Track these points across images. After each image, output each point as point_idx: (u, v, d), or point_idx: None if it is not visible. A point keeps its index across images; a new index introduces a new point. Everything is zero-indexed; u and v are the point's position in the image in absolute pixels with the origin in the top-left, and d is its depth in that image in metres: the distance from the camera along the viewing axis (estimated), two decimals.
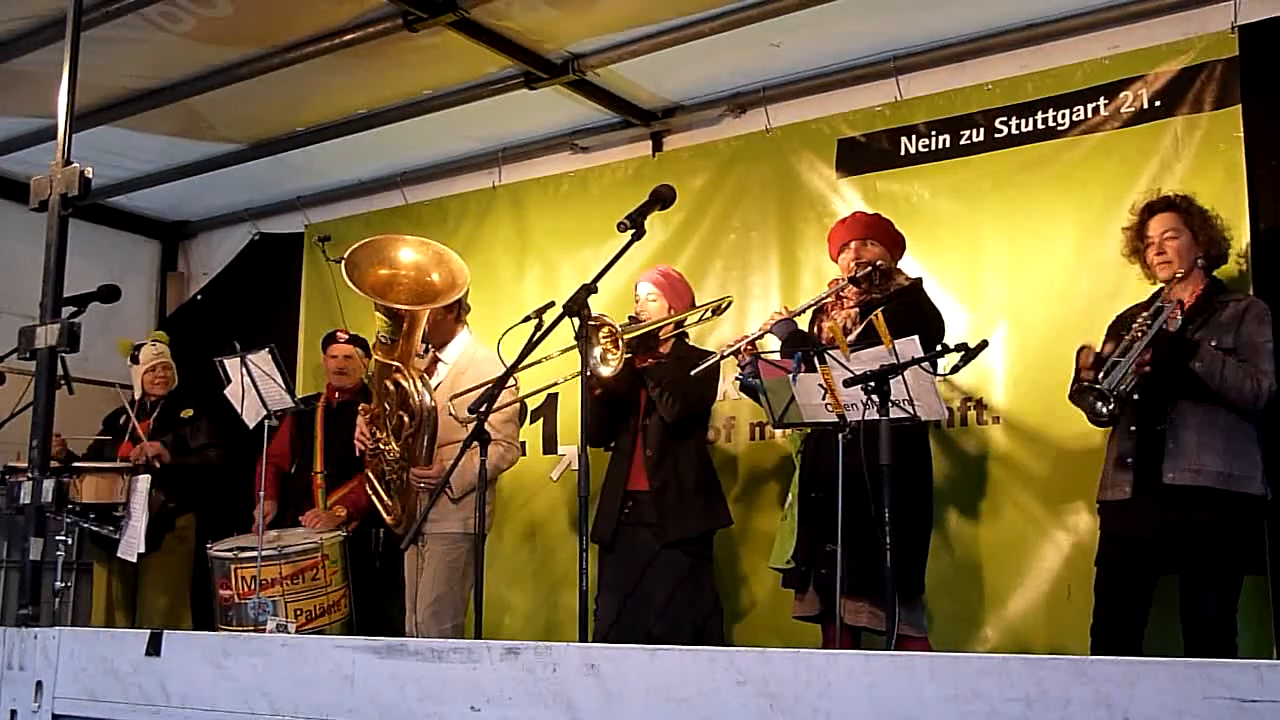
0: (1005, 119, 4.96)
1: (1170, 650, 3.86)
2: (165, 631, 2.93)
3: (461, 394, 4.48)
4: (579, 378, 3.71)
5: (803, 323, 4.53)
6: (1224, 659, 1.80)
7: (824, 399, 3.91)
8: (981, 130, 5.00)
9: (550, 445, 5.91)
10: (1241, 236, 4.33)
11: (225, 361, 5.17)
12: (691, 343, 4.93)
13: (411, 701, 2.43)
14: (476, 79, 5.58)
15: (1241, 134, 4.43)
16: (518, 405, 4.92)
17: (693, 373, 4.36)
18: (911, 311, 4.19)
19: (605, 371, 4.33)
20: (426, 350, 4.93)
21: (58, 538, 5.04)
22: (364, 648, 2.55)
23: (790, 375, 3.97)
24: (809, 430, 4.37)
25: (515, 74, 5.47)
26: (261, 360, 5.08)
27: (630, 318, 4.73)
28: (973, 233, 4.98)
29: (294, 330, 7.01)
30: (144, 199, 7.22)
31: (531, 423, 5.84)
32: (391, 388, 4.70)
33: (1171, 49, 4.63)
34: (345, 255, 4.73)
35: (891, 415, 3.68)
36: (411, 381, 4.63)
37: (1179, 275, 4.01)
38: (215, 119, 6.04)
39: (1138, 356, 3.80)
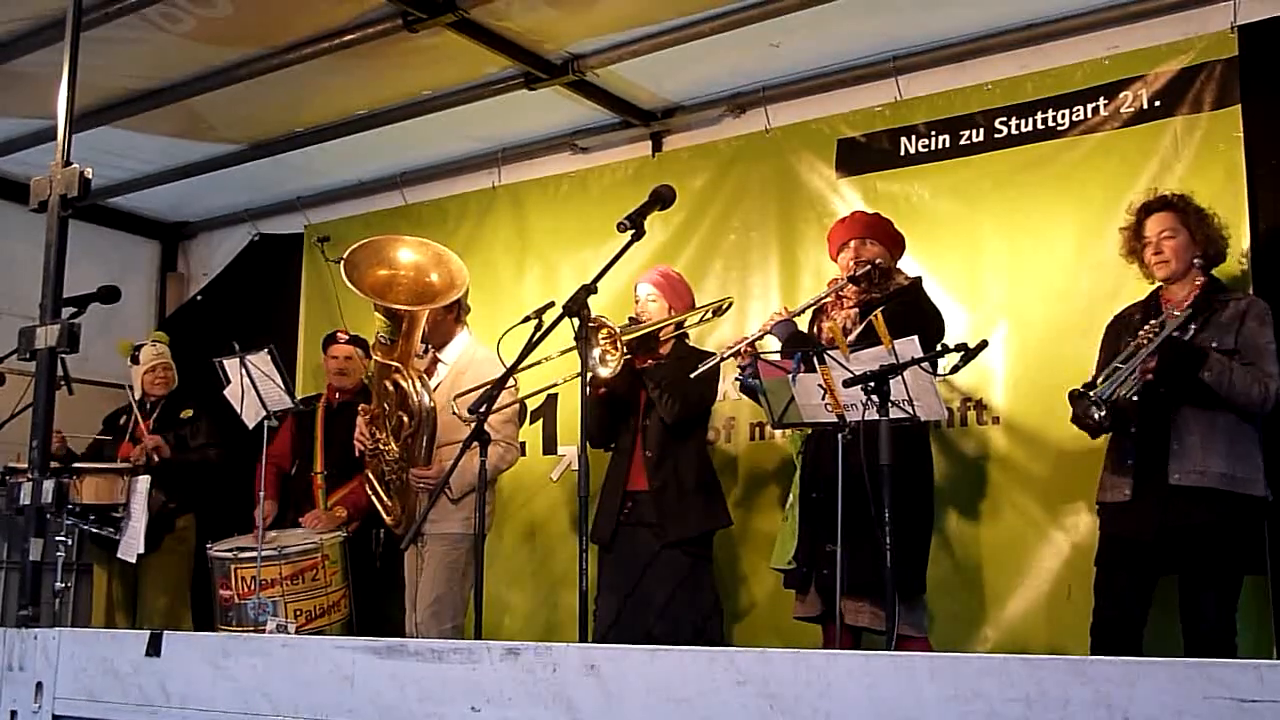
0: (1005, 119, 4.96)
1: (1170, 650, 3.86)
2: (165, 632, 2.93)
3: (464, 394, 4.48)
4: (578, 379, 3.71)
5: (803, 323, 4.53)
6: (1224, 659, 1.80)
7: (824, 399, 3.91)
8: (981, 130, 5.01)
9: (550, 446, 5.91)
10: (1241, 236, 4.34)
11: (225, 362, 5.18)
12: (691, 343, 4.93)
13: (411, 702, 2.43)
14: (476, 79, 5.58)
15: (1241, 134, 4.44)
16: (517, 406, 4.92)
17: (693, 375, 4.36)
18: (911, 311, 4.19)
19: (604, 372, 4.33)
20: (426, 350, 4.93)
21: (58, 538, 5.04)
22: (364, 648, 2.54)
23: (790, 375, 3.97)
24: (809, 431, 4.37)
25: (515, 74, 5.47)
26: (261, 361, 5.08)
27: (630, 318, 4.73)
28: (973, 233, 4.98)
29: (294, 331, 7.01)
30: (144, 199, 7.22)
31: (531, 423, 5.84)
32: (391, 388, 4.70)
33: (1171, 49, 4.63)
34: (344, 256, 4.74)
35: (891, 415, 3.68)
36: (411, 382, 4.64)
37: (1176, 275, 4.01)
38: (215, 119, 6.04)
39: (1141, 364, 3.79)
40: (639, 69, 5.39)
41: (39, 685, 3.05)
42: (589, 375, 3.79)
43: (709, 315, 4.96)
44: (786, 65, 5.39)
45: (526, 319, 3.93)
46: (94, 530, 5.52)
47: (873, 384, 3.65)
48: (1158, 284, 4.11)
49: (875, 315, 3.85)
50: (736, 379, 4.75)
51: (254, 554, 5.08)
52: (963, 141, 5.04)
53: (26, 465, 3.58)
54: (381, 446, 4.78)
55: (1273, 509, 3.90)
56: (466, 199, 6.49)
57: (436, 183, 6.65)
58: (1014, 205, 4.90)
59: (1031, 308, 4.80)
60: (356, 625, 5.32)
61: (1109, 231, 4.42)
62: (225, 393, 5.23)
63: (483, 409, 3.89)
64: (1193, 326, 3.83)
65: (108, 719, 2.93)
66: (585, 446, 3.64)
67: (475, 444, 3.97)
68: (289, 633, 4.77)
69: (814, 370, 3.91)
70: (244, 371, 5.08)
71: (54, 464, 4.75)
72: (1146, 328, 3.85)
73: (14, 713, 3.07)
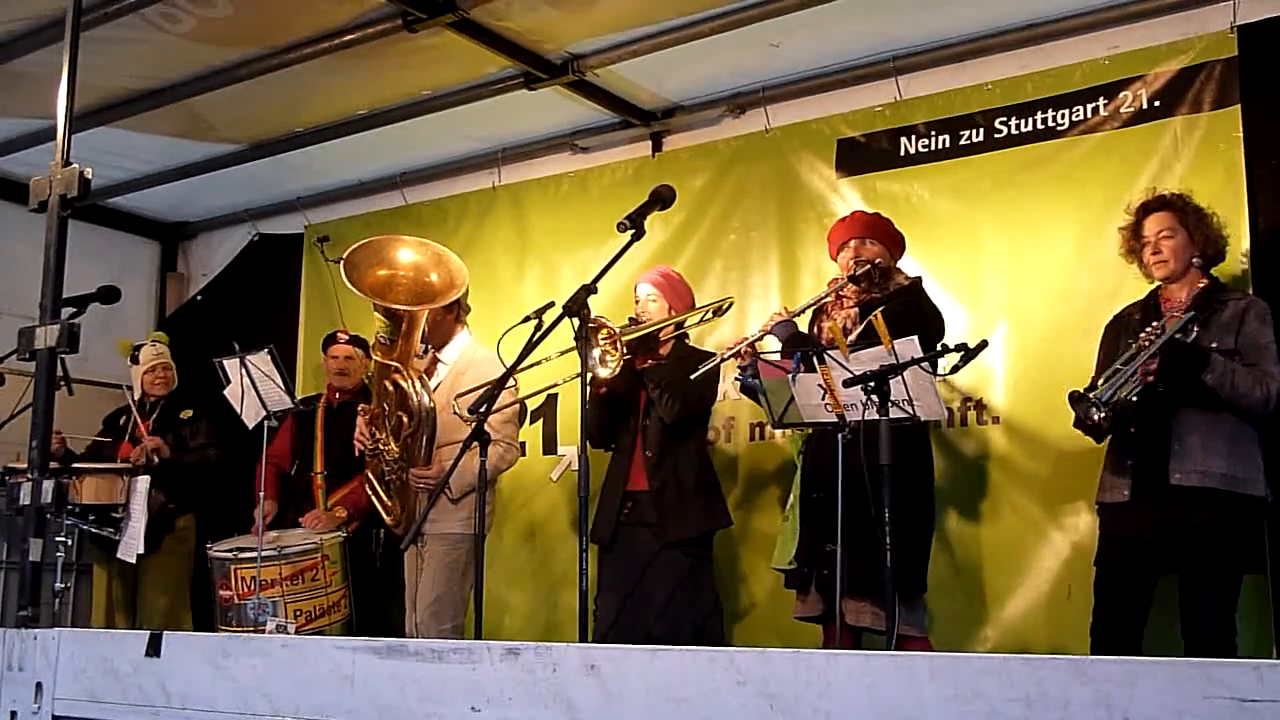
0: (1005, 119, 4.96)
1: (1170, 650, 3.86)
2: (165, 632, 2.93)
3: (464, 394, 4.48)
4: (578, 379, 3.71)
5: (803, 323, 4.53)
6: (1224, 659, 1.80)
7: (823, 399, 3.91)
8: (981, 130, 5.01)
9: (550, 446, 5.91)
10: (1241, 236, 4.34)
11: (225, 362, 5.17)
12: (691, 343, 4.93)
13: (411, 702, 2.43)
14: (476, 79, 5.58)
15: (1241, 134, 4.44)
16: (517, 406, 4.92)
17: (693, 376, 4.35)
18: (911, 311, 4.19)
19: (603, 373, 4.33)
20: (426, 351, 4.93)
21: (57, 539, 5.04)
22: (364, 648, 2.54)
23: (790, 375, 3.97)
24: (810, 431, 4.37)
25: (515, 74, 5.47)
26: (261, 361, 5.08)
27: (630, 319, 4.72)
28: (972, 233, 4.98)
29: (294, 331, 7.01)
30: (143, 200, 7.22)
31: (531, 423, 5.84)
32: (390, 388, 4.70)
33: (1171, 49, 4.63)
34: (344, 256, 4.73)
35: (891, 415, 3.68)
36: (410, 382, 4.63)
37: (1175, 274, 4.01)
38: (215, 119, 6.04)
39: (1142, 366, 3.79)
40: (639, 69, 5.39)
41: (39, 686, 3.05)
42: (589, 375, 3.79)
43: (709, 315, 4.95)
44: (786, 65, 5.39)
45: (526, 319, 3.93)
46: (94, 530, 5.51)
47: (872, 384, 3.65)
48: (1157, 284, 4.11)
49: (875, 315, 3.85)
50: (736, 379, 4.75)
51: (254, 554, 5.08)
52: (963, 141, 5.04)
53: (26, 465, 3.58)
54: (381, 446, 4.78)
55: (1272, 509, 3.90)
56: (466, 199, 6.49)
57: (436, 183, 6.65)
58: (1014, 205, 4.90)
59: (1031, 308, 4.80)
60: (357, 625, 5.32)
61: (1109, 231, 4.42)
62: (225, 393, 5.23)
63: (483, 409, 3.89)
64: (1195, 329, 3.82)
65: (107, 719, 2.93)
66: (585, 446, 3.64)
67: (475, 444, 3.97)
68: (289, 633, 4.77)
69: (814, 370, 3.91)
70: (244, 371, 5.08)
71: (53, 464, 4.75)
72: (1148, 330, 3.84)
73: (14, 713, 3.07)
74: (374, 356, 4.85)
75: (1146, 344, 3.81)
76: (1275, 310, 3.94)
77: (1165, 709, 1.70)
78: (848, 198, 5.26)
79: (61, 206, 3.48)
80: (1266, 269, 4.33)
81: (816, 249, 5.27)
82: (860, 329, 4.17)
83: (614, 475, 4.72)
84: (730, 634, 4.98)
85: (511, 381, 4.27)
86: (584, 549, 3.50)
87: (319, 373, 6.37)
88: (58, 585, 5.08)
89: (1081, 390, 3.88)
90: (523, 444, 5.39)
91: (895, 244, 4.52)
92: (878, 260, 4.40)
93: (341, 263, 4.70)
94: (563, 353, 4.50)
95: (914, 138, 5.16)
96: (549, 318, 3.80)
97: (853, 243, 4.44)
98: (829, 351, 3.86)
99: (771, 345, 4.34)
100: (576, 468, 4.04)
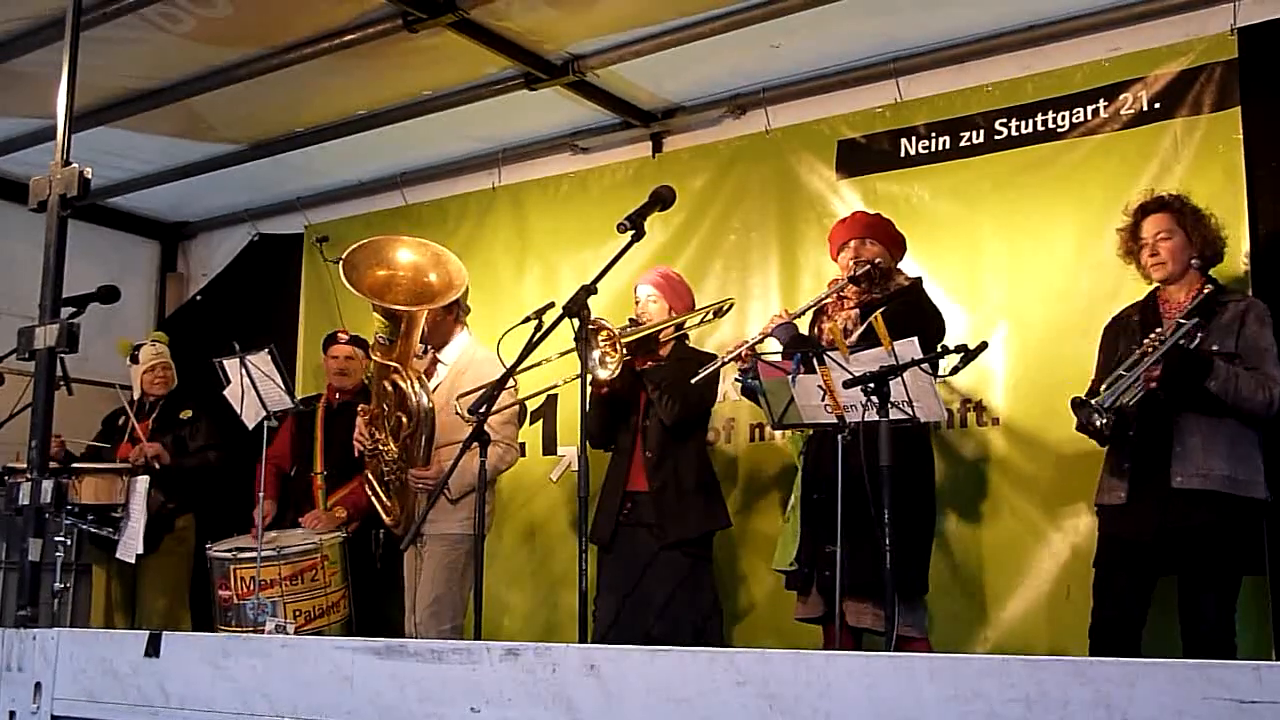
0: (1005, 121, 4.96)
1: (1169, 651, 3.86)
2: (164, 632, 2.93)
3: (466, 394, 4.48)
4: (578, 380, 3.71)
5: (803, 324, 4.53)
6: (1223, 660, 1.80)
7: (823, 400, 3.91)
8: (982, 132, 5.01)
9: (550, 446, 5.91)
10: (1241, 238, 4.34)
11: (225, 362, 5.17)
12: (691, 344, 4.93)
13: (411, 702, 2.43)
14: (476, 80, 5.58)
15: (1241, 136, 4.44)
16: (517, 407, 4.91)
17: (694, 380, 4.35)
18: (912, 311, 4.19)
19: (603, 374, 4.34)
20: (426, 351, 4.93)
21: (56, 539, 5.04)
22: (363, 649, 2.54)
23: (789, 376, 3.97)
24: (811, 432, 4.37)
25: (515, 75, 5.47)
26: (261, 361, 5.08)
27: (631, 319, 4.72)
28: (973, 234, 4.98)
29: (294, 331, 7.02)
30: (143, 199, 7.22)
31: (531, 424, 5.84)
32: (389, 388, 4.70)
33: (1171, 51, 4.63)
34: (343, 256, 4.73)
35: (891, 417, 3.67)
36: (409, 382, 4.63)
37: (1174, 276, 4.01)
38: (215, 119, 6.04)
39: (1145, 372, 3.79)
40: (639, 69, 5.39)
41: (38, 686, 3.05)
42: (589, 377, 3.79)
43: (710, 316, 4.96)
44: (787, 66, 5.39)
45: (526, 319, 3.93)
46: (93, 530, 5.51)
47: (872, 385, 3.65)
48: (1155, 285, 4.11)
49: (875, 317, 3.85)
50: (737, 379, 4.74)
51: (253, 554, 5.08)
52: (963, 143, 5.05)
53: (25, 465, 3.58)
54: (380, 447, 4.78)
55: (1272, 510, 3.90)
56: (466, 199, 6.49)
57: (436, 183, 6.65)
58: (1014, 207, 4.90)
59: (1031, 309, 4.80)
60: (357, 626, 5.32)
61: (1109, 233, 4.41)
62: (225, 393, 5.23)
63: (482, 409, 3.89)
64: (1198, 335, 3.81)
65: (107, 719, 2.93)
66: (585, 447, 3.64)
67: (475, 444, 3.97)
68: (288, 633, 4.76)
69: (814, 371, 3.91)
70: (244, 372, 5.08)
71: (53, 466, 4.75)
72: (1152, 336, 3.84)
73: (13, 713, 3.07)
74: (373, 357, 4.85)
75: (1150, 350, 3.80)
76: (1275, 311, 3.94)
77: (1165, 709, 1.70)
78: (848, 199, 5.26)
79: (61, 206, 3.48)
80: (1266, 270, 4.33)
81: (816, 250, 5.27)
82: (861, 330, 4.17)
83: (614, 476, 4.72)
84: (729, 635, 4.98)
85: (511, 382, 4.27)
86: (584, 549, 3.50)
87: (319, 373, 6.37)
88: (57, 585, 5.07)
89: (1083, 397, 3.87)
90: (522, 444, 5.39)
91: (896, 245, 4.52)
92: (877, 260, 4.40)
93: (340, 263, 4.70)
94: (563, 354, 4.51)
95: (914, 139, 5.16)
96: (549, 318, 3.80)
97: (853, 243, 4.44)
98: (829, 353, 3.86)
99: (772, 347, 4.33)
100: (576, 468, 4.04)
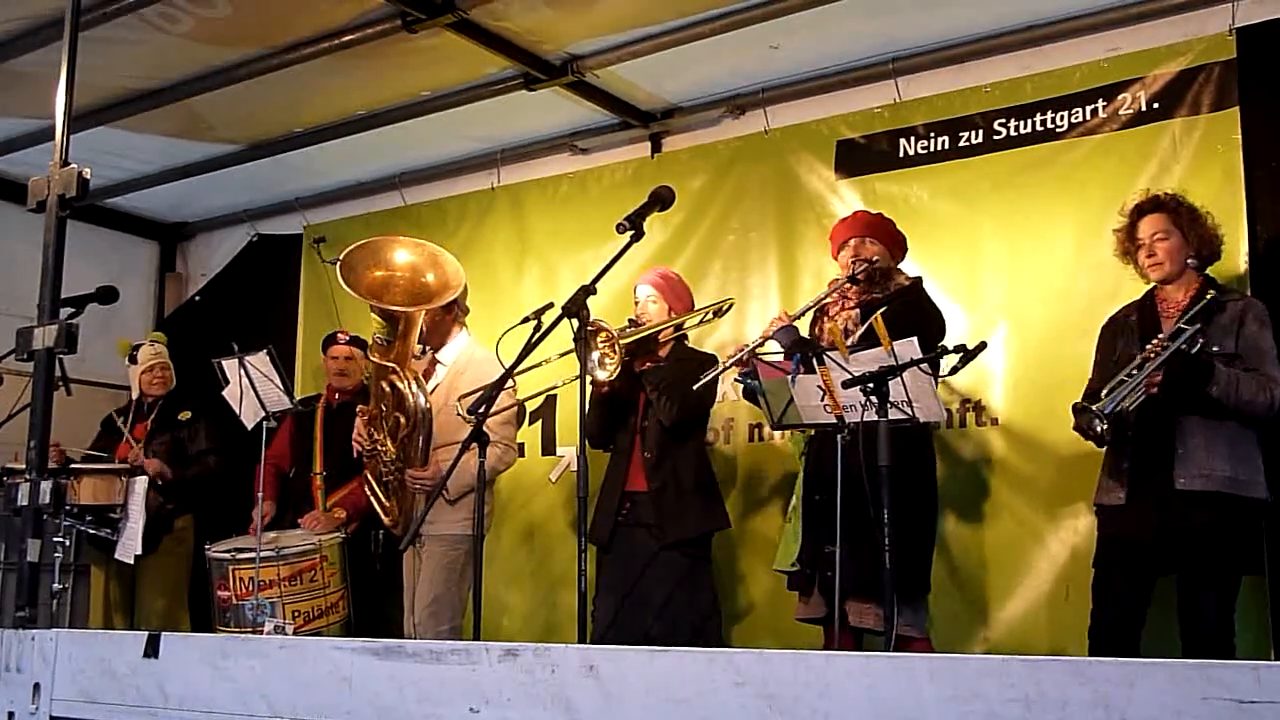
0: (1004, 121, 4.96)
1: (1168, 651, 3.86)
2: (163, 633, 2.93)
3: (468, 394, 4.48)
4: (577, 380, 3.70)
5: (804, 324, 4.52)
6: (1222, 660, 1.80)
7: (823, 400, 3.90)
8: (980, 132, 5.01)
9: (549, 447, 5.91)
10: (1239, 238, 4.34)
11: (223, 363, 5.17)
12: (691, 344, 4.92)
13: (410, 703, 2.43)
14: (475, 80, 5.58)
15: (1239, 136, 4.44)
16: (516, 407, 4.91)
17: (695, 387, 4.34)
18: (913, 311, 4.18)
19: (602, 375, 4.34)
20: (424, 351, 4.92)
21: (55, 539, 5.03)
22: (362, 649, 2.54)
23: (789, 377, 3.97)
24: (812, 433, 4.37)
25: (514, 75, 5.47)
26: (260, 361, 5.08)
27: (630, 320, 4.72)
28: (972, 234, 4.98)
29: (293, 331, 7.02)
30: (142, 200, 7.22)
31: (530, 424, 5.84)
32: (388, 389, 4.69)
33: (1170, 51, 4.64)
34: (340, 257, 4.73)
35: (890, 417, 3.67)
36: (407, 383, 4.63)
37: (1171, 276, 4.01)
38: (214, 120, 6.04)
39: (1146, 377, 3.78)
40: (638, 70, 5.39)
41: (36, 686, 3.05)
42: (588, 378, 3.79)
43: (709, 316, 4.96)
44: (786, 66, 5.39)
45: (525, 320, 3.93)
46: (91, 532, 5.51)
47: (871, 385, 3.65)
48: (1153, 284, 4.11)
49: (875, 318, 3.85)
50: (737, 380, 4.74)
51: (252, 555, 5.07)
52: (962, 143, 5.05)
53: (24, 466, 3.57)
54: (379, 447, 4.77)
55: (1272, 510, 3.90)
56: (466, 200, 6.49)
57: (436, 183, 6.65)
58: (1013, 207, 4.90)
59: (1031, 309, 4.80)
60: (357, 626, 5.32)
61: (1108, 233, 4.41)
62: (224, 393, 5.22)
63: (481, 410, 3.89)
64: (1200, 340, 3.81)
65: None
66: (584, 447, 3.64)
67: (473, 445, 3.97)
68: (287, 634, 4.76)
69: (813, 371, 3.91)
70: (242, 372, 5.08)
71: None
72: (1154, 342, 3.83)
73: (11, 714, 3.07)
74: (371, 357, 4.85)
75: (1151, 356, 3.79)
76: (1273, 311, 3.94)
77: (1164, 709, 1.70)
78: (847, 199, 5.26)
79: (60, 206, 3.49)
80: (1265, 270, 4.33)
81: (816, 250, 5.28)
82: (861, 330, 4.17)
83: (612, 476, 4.72)
84: (728, 635, 4.97)
85: (510, 383, 4.27)
86: (583, 549, 3.50)
87: (318, 373, 6.37)
88: (55, 586, 5.07)
89: (1084, 403, 3.86)
90: (521, 445, 5.39)
91: (897, 244, 4.52)
92: (875, 259, 4.39)
93: (338, 264, 4.70)
94: (562, 354, 4.51)
95: (913, 139, 5.16)
96: (548, 319, 3.80)
97: (853, 241, 4.44)
98: (828, 353, 3.86)
99: (773, 349, 4.33)
100: (575, 468, 4.04)
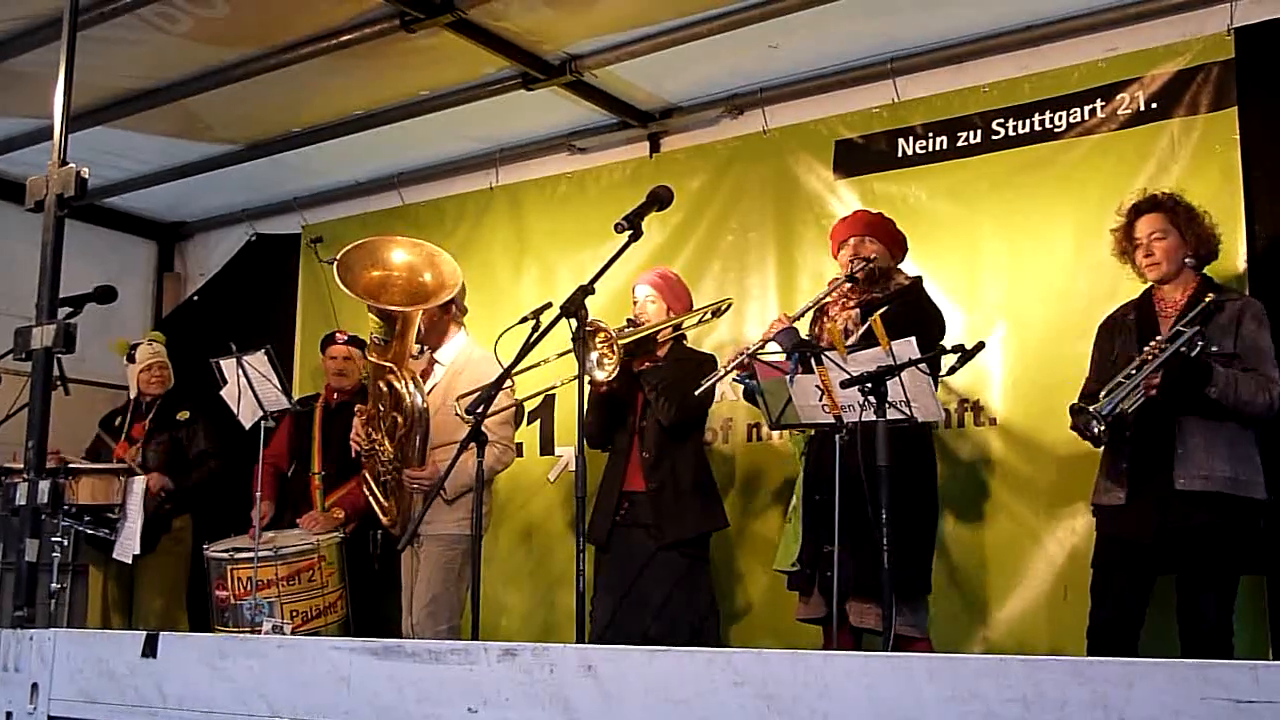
0: (1002, 121, 4.96)
1: (1167, 651, 3.86)
2: (161, 633, 2.93)
3: (466, 395, 4.47)
4: (576, 380, 3.70)
5: (804, 325, 4.51)
6: (1221, 660, 1.80)
7: (821, 400, 3.90)
8: (979, 132, 5.01)
9: (547, 447, 5.91)
10: (1238, 238, 4.34)
11: (222, 362, 5.17)
12: (689, 344, 4.92)
13: (409, 703, 2.43)
14: (474, 80, 5.58)
15: (1238, 136, 4.44)
16: (514, 407, 4.91)
17: (697, 393, 4.35)
18: (913, 311, 4.18)
19: (600, 376, 4.33)
20: (422, 351, 4.92)
21: (53, 539, 5.03)
22: (361, 649, 2.54)
23: (787, 376, 3.97)
24: (813, 433, 4.37)
25: (513, 75, 5.47)
26: (258, 361, 5.08)
27: (629, 320, 4.72)
28: (970, 234, 4.98)
29: (291, 331, 7.01)
30: (141, 199, 7.21)
31: (529, 424, 5.84)
32: (385, 389, 4.69)
33: (1168, 51, 4.64)
34: (337, 257, 4.72)
35: (888, 417, 3.67)
36: (404, 383, 4.62)
37: (1168, 276, 4.01)
38: (212, 119, 6.03)
39: (1145, 379, 3.78)
40: (637, 70, 5.39)
41: (34, 686, 3.05)
42: (586, 378, 3.79)
43: (708, 316, 4.96)
44: (784, 66, 5.39)
45: (524, 320, 3.93)
46: (89, 532, 5.50)
47: (869, 385, 3.65)
48: (1150, 284, 4.11)
49: (874, 319, 3.85)
50: (735, 380, 4.74)
51: (250, 555, 5.07)
52: (960, 143, 5.05)
53: (22, 465, 3.57)
54: (377, 447, 4.77)
55: (1270, 510, 3.90)
56: (464, 199, 6.49)
57: (434, 183, 6.65)
58: (1011, 207, 4.90)
59: (1029, 309, 4.80)
60: (356, 626, 5.31)
61: (1106, 233, 4.40)
62: (222, 393, 5.22)
63: (480, 410, 3.89)
64: (1199, 342, 3.81)
65: None
66: (583, 447, 3.63)
67: (471, 445, 3.96)
68: (285, 633, 4.76)
69: (811, 371, 3.91)
70: (241, 372, 5.08)
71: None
72: (1152, 344, 3.83)
73: (9, 714, 3.07)
74: (369, 357, 4.84)
75: (1149, 358, 3.79)
76: (1271, 311, 3.94)
77: (1162, 709, 1.70)
78: (845, 199, 5.26)
79: (58, 206, 3.48)
80: (1263, 270, 4.34)
81: (814, 250, 5.28)
82: (861, 330, 4.16)
83: (611, 476, 4.72)
84: (726, 635, 4.97)
85: (509, 383, 4.27)
86: (581, 549, 3.50)
87: (317, 373, 6.37)
88: (54, 586, 5.07)
89: (1082, 404, 3.86)
90: (519, 445, 5.39)
91: (896, 244, 4.52)
92: (874, 258, 4.38)
93: (335, 264, 4.69)
94: (560, 354, 4.50)
95: (912, 139, 5.16)
96: (546, 319, 3.80)
97: (852, 241, 4.44)
98: (826, 353, 3.86)
99: (773, 350, 4.32)
100: (574, 468, 4.04)
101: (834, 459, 3.89)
